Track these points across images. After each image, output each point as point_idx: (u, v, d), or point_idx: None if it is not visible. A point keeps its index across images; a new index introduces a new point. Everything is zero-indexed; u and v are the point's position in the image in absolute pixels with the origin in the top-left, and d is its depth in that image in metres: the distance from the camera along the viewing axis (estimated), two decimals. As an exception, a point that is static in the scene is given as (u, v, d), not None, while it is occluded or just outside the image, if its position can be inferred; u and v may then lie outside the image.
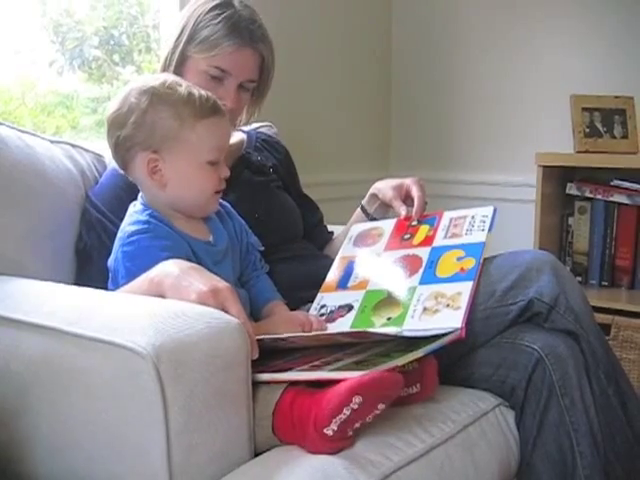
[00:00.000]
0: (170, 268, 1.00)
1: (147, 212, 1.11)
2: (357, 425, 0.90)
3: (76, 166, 1.35)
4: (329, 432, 0.87)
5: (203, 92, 1.12)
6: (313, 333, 1.04)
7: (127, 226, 1.10)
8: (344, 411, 0.86)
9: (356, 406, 0.86)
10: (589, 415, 1.11)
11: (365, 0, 2.55)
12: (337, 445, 0.90)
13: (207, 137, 1.10)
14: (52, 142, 1.35)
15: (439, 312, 1.10)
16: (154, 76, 1.16)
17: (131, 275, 1.04)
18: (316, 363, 0.96)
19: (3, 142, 1.20)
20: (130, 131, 1.09)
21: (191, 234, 1.12)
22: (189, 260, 1.05)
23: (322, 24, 2.37)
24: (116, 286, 1.09)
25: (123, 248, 1.08)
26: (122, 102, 1.11)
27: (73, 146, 1.39)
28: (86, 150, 1.42)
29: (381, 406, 0.90)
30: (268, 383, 0.94)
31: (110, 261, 1.12)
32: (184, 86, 1.11)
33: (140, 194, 1.16)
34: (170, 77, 1.14)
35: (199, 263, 1.06)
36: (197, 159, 1.10)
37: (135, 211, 1.13)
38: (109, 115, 1.13)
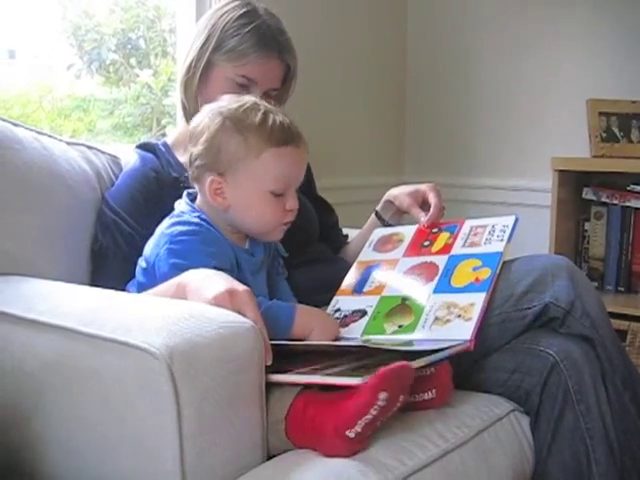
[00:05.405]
0: (196, 274, 1.00)
1: (197, 214, 1.11)
2: (378, 424, 0.89)
3: (92, 168, 1.35)
4: (351, 434, 0.87)
5: (281, 119, 1.09)
6: (321, 342, 1.04)
7: (176, 225, 1.09)
8: (371, 411, 0.86)
9: (383, 403, 0.86)
10: (605, 421, 1.10)
11: (380, 5, 2.55)
12: (355, 447, 0.90)
13: (272, 166, 1.08)
14: (68, 144, 1.36)
15: (450, 322, 1.10)
16: (236, 98, 1.13)
17: (178, 270, 1.03)
18: (316, 367, 0.95)
19: (20, 143, 1.21)
20: (200, 150, 1.09)
21: (235, 242, 1.13)
22: (232, 268, 1.06)
23: (338, 28, 2.38)
24: (148, 279, 1.09)
25: (170, 245, 1.06)
26: (201, 119, 1.11)
27: (89, 148, 1.40)
28: (102, 152, 1.42)
29: (402, 398, 0.90)
30: (280, 385, 0.94)
31: (148, 254, 1.11)
32: (262, 111, 1.09)
33: (185, 192, 1.16)
34: (251, 100, 1.12)
35: (239, 272, 1.07)
36: (259, 188, 1.09)
37: (183, 211, 1.13)
38: (189, 128, 1.14)
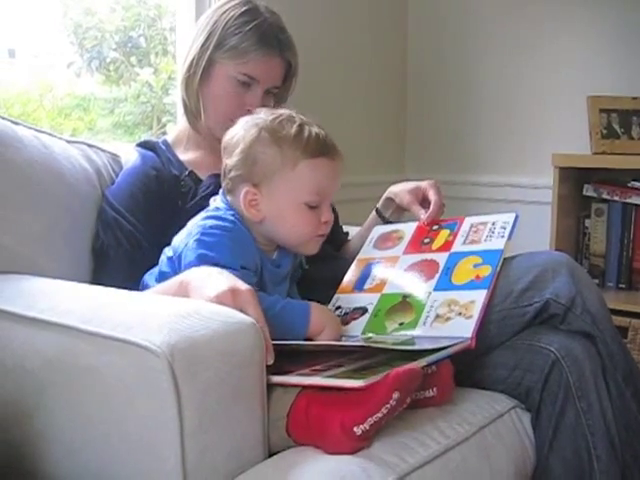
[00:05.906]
0: (199, 272, 1.00)
1: (232, 212, 1.11)
2: (383, 423, 0.90)
3: (92, 166, 1.36)
4: (358, 431, 0.87)
5: (316, 131, 1.10)
6: (323, 342, 1.04)
7: (211, 219, 1.09)
8: (382, 410, 0.87)
9: (394, 402, 0.87)
10: (606, 418, 1.10)
11: (381, 4, 2.55)
12: (359, 444, 0.90)
13: (308, 178, 1.08)
14: (68, 142, 1.36)
15: (451, 320, 1.10)
16: (272, 110, 1.15)
17: (204, 262, 1.03)
18: (317, 367, 0.95)
19: (20, 142, 1.21)
20: (235, 162, 1.10)
21: (263, 251, 1.13)
22: (256, 272, 1.06)
23: (339, 26, 2.37)
24: (172, 269, 1.09)
25: (201, 237, 1.06)
26: (236, 130, 1.12)
27: (89, 146, 1.40)
28: (102, 150, 1.42)
29: (408, 400, 0.91)
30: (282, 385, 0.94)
31: (177, 243, 1.11)
32: (297, 123, 1.10)
33: (221, 190, 1.16)
34: (287, 112, 1.13)
35: (260, 279, 1.08)
36: (295, 199, 1.09)
37: (219, 207, 1.13)
38: (224, 140, 1.14)
